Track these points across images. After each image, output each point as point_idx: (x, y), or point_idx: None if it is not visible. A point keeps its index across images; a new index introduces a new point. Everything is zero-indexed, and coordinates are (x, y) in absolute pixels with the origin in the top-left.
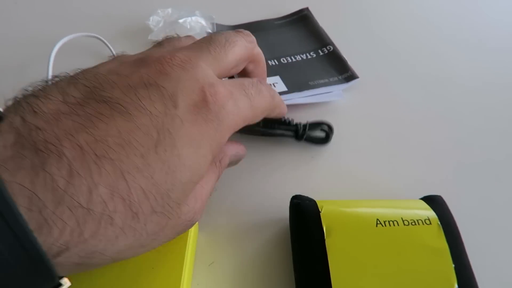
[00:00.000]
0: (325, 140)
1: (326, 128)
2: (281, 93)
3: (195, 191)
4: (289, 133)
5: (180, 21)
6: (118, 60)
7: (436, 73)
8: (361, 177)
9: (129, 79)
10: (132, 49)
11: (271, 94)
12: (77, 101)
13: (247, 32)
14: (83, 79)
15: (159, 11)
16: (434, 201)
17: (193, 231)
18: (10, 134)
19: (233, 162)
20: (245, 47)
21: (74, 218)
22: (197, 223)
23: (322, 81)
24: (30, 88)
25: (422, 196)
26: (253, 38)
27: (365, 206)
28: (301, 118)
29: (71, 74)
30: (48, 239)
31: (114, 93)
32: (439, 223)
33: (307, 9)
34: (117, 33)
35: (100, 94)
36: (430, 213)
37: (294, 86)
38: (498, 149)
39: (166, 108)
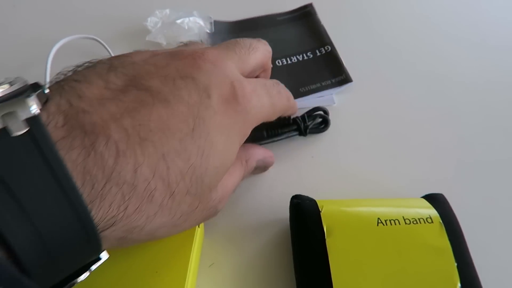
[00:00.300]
0: (325, 125)
1: (322, 113)
2: None
3: (222, 180)
4: (293, 132)
5: (178, 21)
6: (149, 52)
7: (437, 71)
8: (362, 176)
9: (166, 70)
10: (130, 50)
11: (287, 96)
12: (118, 88)
13: (266, 41)
14: (121, 67)
15: (157, 12)
16: (435, 200)
17: (198, 234)
18: (60, 116)
19: (261, 168)
20: (265, 54)
21: (121, 193)
22: (202, 225)
23: (313, 86)
24: (66, 73)
25: (423, 194)
26: (270, 48)
27: (366, 205)
28: None
29: (105, 61)
30: (99, 213)
31: (153, 82)
32: (441, 221)
33: (311, 5)
34: (114, 35)
35: (140, 82)
36: (431, 211)
37: None
38: (500, 147)
39: (200, 98)
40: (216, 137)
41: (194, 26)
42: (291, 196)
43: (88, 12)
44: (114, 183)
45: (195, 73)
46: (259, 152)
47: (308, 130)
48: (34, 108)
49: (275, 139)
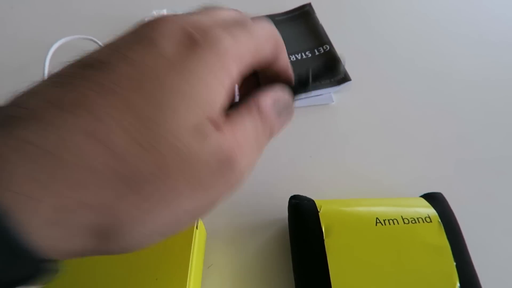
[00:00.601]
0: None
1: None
2: None
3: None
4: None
5: None
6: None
7: (436, 69)
8: (361, 176)
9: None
10: None
11: (273, 28)
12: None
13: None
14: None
15: (154, 12)
16: (434, 199)
17: (197, 236)
18: None
19: (282, 109)
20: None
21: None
22: (202, 225)
23: (312, 84)
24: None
25: (422, 193)
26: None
27: (364, 205)
28: (294, 122)
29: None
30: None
31: (93, 55)
32: (439, 220)
33: (309, 4)
34: (111, 35)
35: (81, 62)
36: (430, 210)
37: None
38: (499, 145)
39: (145, 50)
40: (171, 84)
41: None
42: (289, 196)
43: (85, 13)
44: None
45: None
46: (266, 93)
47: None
48: None
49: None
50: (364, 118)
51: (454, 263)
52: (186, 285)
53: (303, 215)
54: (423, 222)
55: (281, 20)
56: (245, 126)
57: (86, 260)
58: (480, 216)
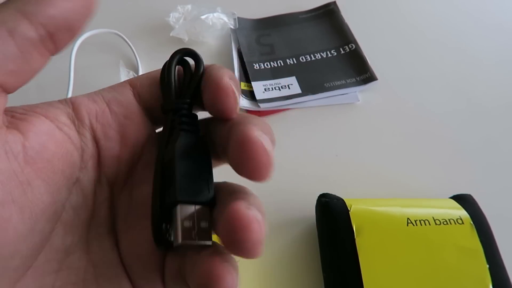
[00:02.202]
0: None
1: None
2: (294, 96)
3: None
4: None
5: (202, 17)
6: None
7: (464, 71)
8: (387, 176)
9: None
10: (152, 46)
11: None
12: None
13: None
14: None
15: (179, 8)
16: (465, 200)
17: None
18: None
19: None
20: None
21: None
22: None
23: (338, 83)
24: None
25: (451, 195)
26: None
27: (394, 205)
28: (314, 121)
29: None
30: None
31: None
32: (471, 222)
33: (334, 3)
34: (136, 30)
35: None
36: (462, 212)
37: (308, 88)
38: None
39: None
40: None
41: (218, 22)
42: (317, 195)
43: (110, 7)
44: None
45: None
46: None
47: None
48: None
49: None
50: (390, 117)
51: (487, 266)
52: None
53: (333, 214)
54: (455, 223)
55: (306, 18)
56: None
57: None
58: (509, 219)
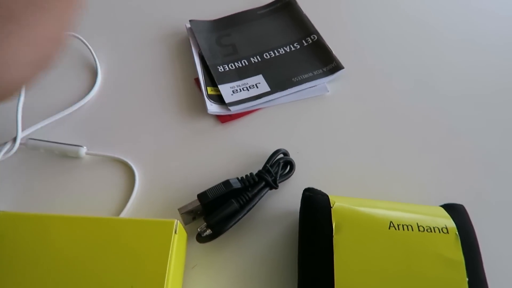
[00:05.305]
0: (291, 168)
1: (282, 156)
2: (263, 94)
3: None
4: (265, 190)
5: None
6: None
7: (426, 62)
8: (371, 175)
9: None
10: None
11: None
12: None
13: None
14: None
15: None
16: (454, 210)
17: (177, 240)
18: None
19: None
20: None
21: None
22: (182, 229)
23: (306, 76)
24: None
25: (443, 203)
26: None
27: (379, 207)
28: (288, 118)
29: None
30: None
31: None
32: (457, 233)
33: None
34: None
35: None
36: (448, 221)
37: (277, 84)
38: None
39: None
40: None
41: None
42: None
43: None
44: None
45: None
46: None
47: (277, 181)
48: None
49: (251, 206)
50: (364, 106)
51: (467, 279)
52: None
53: (314, 208)
54: (440, 232)
55: (264, 14)
56: None
57: (61, 267)
58: (503, 233)
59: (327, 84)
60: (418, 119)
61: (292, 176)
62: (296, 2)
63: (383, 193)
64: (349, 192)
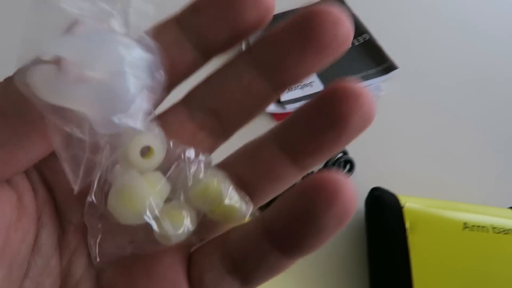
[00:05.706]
0: (351, 167)
1: (342, 155)
2: (317, 93)
3: None
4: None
5: None
6: None
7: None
8: (432, 176)
9: None
10: None
11: None
12: None
13: None
14: None
15: None
16: None
17: None
18: None
19: None
20: None
21: None
22: None
23: (359, 75)
24: None
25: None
26: None
27: (451, 208)
28: None
29: None
30: None
31: None
32: None
33: None
34: None
35: None
36: None
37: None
38: None
39: None
40: None
41: None
42: (364, 189)
43: None
44: None
45: None
46: None
47: None
48: None
49: None
50: (419, 106)
51: None
52: None
53: (385, 208)
54: None
55: None
56: None
57: None
58: None
59: (381, 83)
60: (480, 119)
61: (351, 175)
62: (344, 1)
63: (447, 194)
64: (412, 193)
